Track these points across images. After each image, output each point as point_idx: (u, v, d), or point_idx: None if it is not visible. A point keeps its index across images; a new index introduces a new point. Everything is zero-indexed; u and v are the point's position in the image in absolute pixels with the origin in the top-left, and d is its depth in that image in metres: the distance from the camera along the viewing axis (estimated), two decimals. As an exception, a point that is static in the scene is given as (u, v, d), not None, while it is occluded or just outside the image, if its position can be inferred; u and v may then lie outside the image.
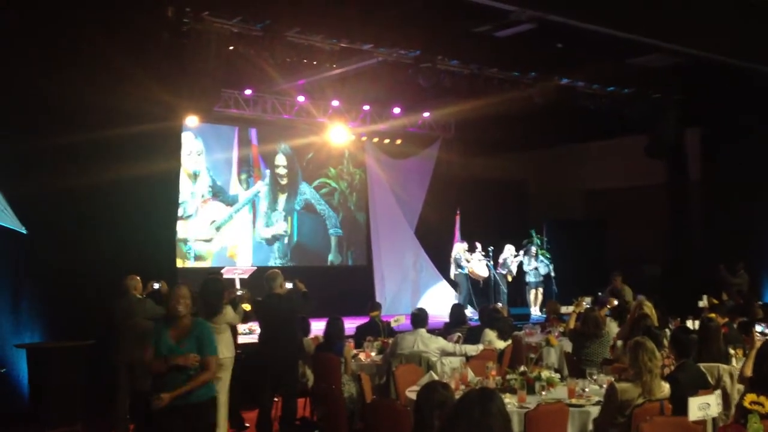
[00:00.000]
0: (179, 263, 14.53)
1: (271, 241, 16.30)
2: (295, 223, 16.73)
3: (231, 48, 10.81)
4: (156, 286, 8.36)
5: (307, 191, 16.96)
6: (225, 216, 15.62)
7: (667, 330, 8.28)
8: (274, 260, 16.21)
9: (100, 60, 9.30)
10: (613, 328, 9.32)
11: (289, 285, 8.51)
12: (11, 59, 8.96)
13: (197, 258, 15.22)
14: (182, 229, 14.72)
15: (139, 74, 9.36)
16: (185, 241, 14.96)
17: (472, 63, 12.94)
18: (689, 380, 5.56)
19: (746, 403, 3.94)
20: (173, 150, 10.64)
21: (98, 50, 9.28)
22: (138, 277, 8.22)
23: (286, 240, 16.55)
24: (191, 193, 15.11)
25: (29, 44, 9.12)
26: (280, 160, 16.57)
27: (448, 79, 13.01)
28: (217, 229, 15.50)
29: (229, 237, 15.74)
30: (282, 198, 16.57)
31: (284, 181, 16.59)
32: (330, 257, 17.29)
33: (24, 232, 8.81)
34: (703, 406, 4.05)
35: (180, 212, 14.56)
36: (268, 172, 16.35)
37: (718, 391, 4.23)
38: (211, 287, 7.68)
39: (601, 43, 11.98)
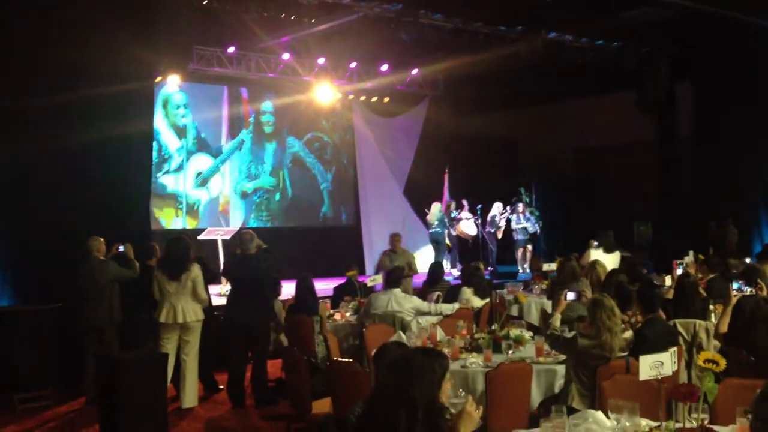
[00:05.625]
0: (170, 217, 14.58)
1: (253, 195, 16.01)
2: (286, 177, 16.48)
3: (205, 2, 10.52)
4: (121, 248, 8.15)
5: (295, 144, 16.66)
6: (210, 166, 15.34)
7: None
8: (263, 221, 16.03)
9: (67, 15, 9.02)
10: None
11: None
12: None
13: (189, 213, 14.97)
14: (170, 183, 14.68)
15: (109, 29, 9.08)
16: (174, 195, 14.78)
17: (456, 17, 12.62)
18: (657, 336, 5.40)
19: (700, 362, 3.76)
20: (146, 110, 10.40)
21: (66, 4, 9.00)
22: (101, 239, 8.03)
23: (277, 196, 16.34)
24: (177, 148, 14.81)
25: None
26: (267, 106, 16.21)
27: (432, 34, 12.71)
28: (204, 181, 15.23)
29: (218, 190, 15.49)
30: (269, 149, 16.26)
31: (270, 130, 16.27)
32: (323, 209, 17.05)
33: None
34: (656, 365, 3.85)
35: (166, 167, 14.46)
36: (252, 120, 16.04)
37: (674, 349, 4.03)
38: (175, 247, 7.52)
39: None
